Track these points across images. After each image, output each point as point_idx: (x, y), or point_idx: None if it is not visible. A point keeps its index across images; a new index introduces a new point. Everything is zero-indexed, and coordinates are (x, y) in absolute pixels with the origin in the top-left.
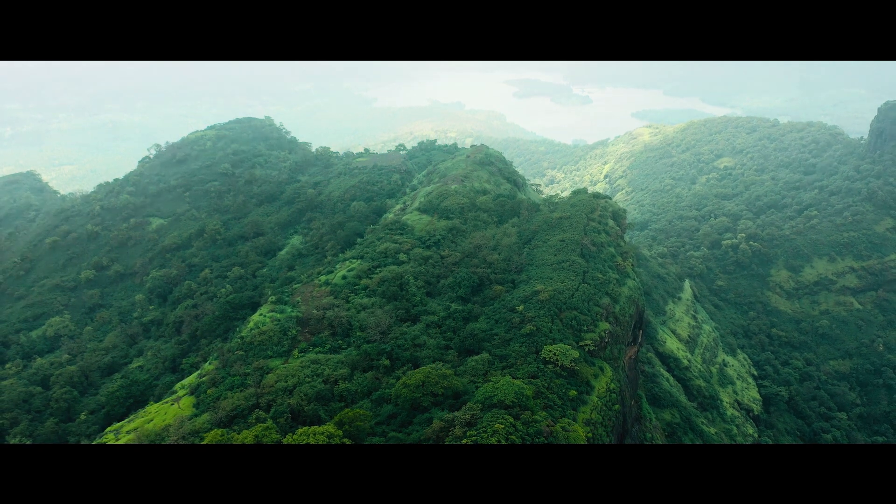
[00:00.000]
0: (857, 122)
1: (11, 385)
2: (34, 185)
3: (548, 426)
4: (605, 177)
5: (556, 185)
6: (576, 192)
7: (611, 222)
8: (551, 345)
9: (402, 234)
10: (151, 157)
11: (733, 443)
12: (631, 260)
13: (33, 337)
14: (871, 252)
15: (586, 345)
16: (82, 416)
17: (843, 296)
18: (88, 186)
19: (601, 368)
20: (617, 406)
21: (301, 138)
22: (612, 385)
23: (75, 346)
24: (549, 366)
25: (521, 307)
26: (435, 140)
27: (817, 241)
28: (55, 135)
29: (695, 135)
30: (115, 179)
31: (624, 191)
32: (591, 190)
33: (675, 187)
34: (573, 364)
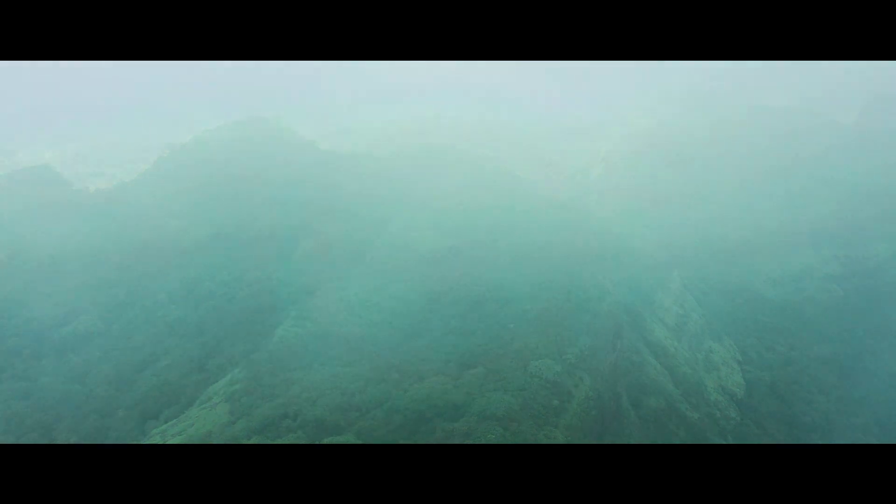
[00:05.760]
0: (856, 104)
1: (51, 383)
2: (51, 178)
3: (532, 434)
4: (602, 160)
5: (552, 167)
6: (564, 210)
7: (593, 242)
8: (537, 360)
9: (407, 251)
10: (166, 156)
11: (716, 427)
12: (610, 276)
13: (65, 334)
14: (855, 241)
15: (568, 358)
16: (119, 414)
17: (827, 283)
18: (93, 167)
19: (581, 378)
20: (594, 411)
21: (299, 117)
22: (591, 392)
23: (106, 344)
24: (535, 379)
25: (512, 325)
26: (435, 144)
27: (804, 229)
28: (55, 112)
29: (691, 116)
30: (133, 179)
31: (621, 175)
32: (588, 174)
33: (669, 174)
34: (556, 377)
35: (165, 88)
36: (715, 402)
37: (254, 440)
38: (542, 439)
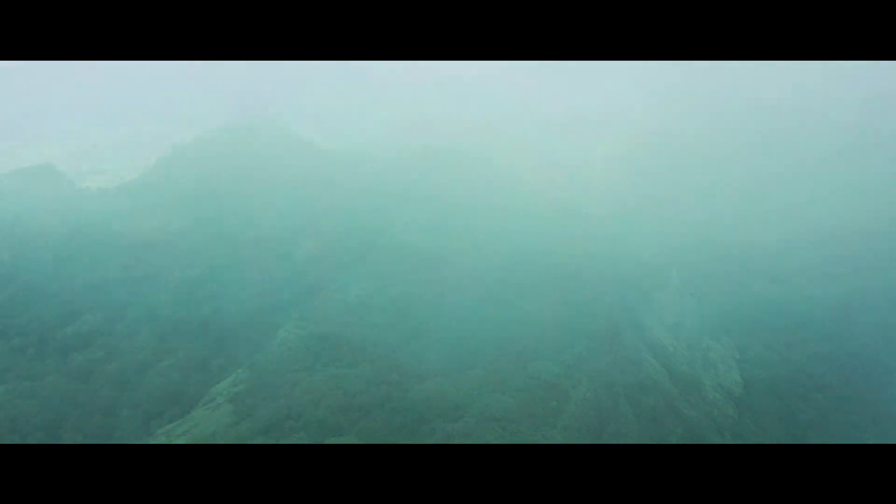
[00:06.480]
0: (856, 103)
1: (56, 382)
2: (52, 178)
3: (530, 434)
4: (602, 160)
5: (552, 167)
6: (563, 210)
7: (592, 243)
8: (536, 362)
9: (408, 253)
10: (167, 156)
11: (714, 424)
12: (609, 276)
13: (69, 333)
14: (852, 239)
15: (566, 360)
16: (124, 413)
17: (825, 281)
18: (94, 164)
19: (579, 380)
20: (592, 412)
21: (300, 117)
22: (588, 393)
23: (109, 344)
24: (534, 380)
25: (511, 327)
26: (435, 143)
27: (802, 228)
28: (55, 110)
29: (691, 116)
30: (135, 179)
31: (620, 175)
32: (587, 174)
33: (668, 173)
34: (554, 378)
35: (166, 88)
36: (713, 401)
37: (258, 441)
38: (540, 440)
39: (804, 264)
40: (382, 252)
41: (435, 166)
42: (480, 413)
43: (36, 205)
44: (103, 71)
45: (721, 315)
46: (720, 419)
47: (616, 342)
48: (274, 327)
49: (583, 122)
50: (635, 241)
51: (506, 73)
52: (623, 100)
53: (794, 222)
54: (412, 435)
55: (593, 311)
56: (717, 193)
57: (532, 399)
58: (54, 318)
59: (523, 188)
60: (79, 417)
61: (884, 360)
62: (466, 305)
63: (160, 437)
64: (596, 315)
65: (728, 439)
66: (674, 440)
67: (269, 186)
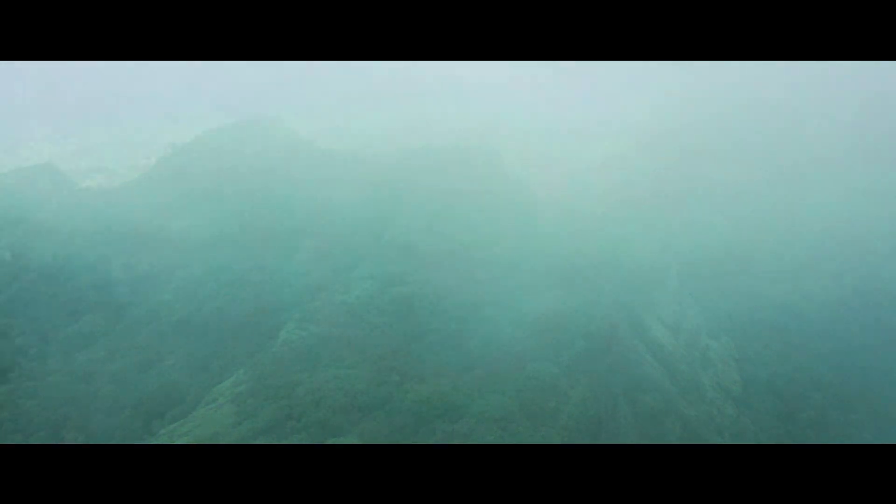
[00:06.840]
0: (855, 102)
1: (58, 382)
2: (53, 178)
3: (529, 434)
4: (602, 160)
5: (552, 167)
6: (563, 210)
7: (592, 243)
8: (535, 363)
9: (408, 255)
10: (168, 156)
11: (713, 424)
12: (609, 276)
13: (70, 333)
14: (852, 239)
15: (565, 360)
16: (125, 413)
17: (824, 280)
18: (94, 162)
19: (577, 380)
20: (591, 412)
21: (300, 116)
22: (587, 394)
23: (111, 344)
24: (533, 381)
25: (510, 327)
26: (435, 144)
27: (802, 228)
28: (55, 108)
29: (691, 116)
30: (136, 178)
31: (620, 175)
32: (587, 174)
33: (668, 173)
34: (553, 379)
35: (166, 88)
36: (712, 400)
37: (260, 441)
38: (539, 440)
39: (804, 264)
40: (383, 252)
41: (435, 167)
42: (480, 413)
43: (37, 204)
44: (103, 71)
45: (720, 315)
46: (719, 418)
47: (615, 342)
48: (275, 327)
49: (583, 122)
50: (635, 241)
51: (507, 73)
52: (623, 100)
53: (794, 222)
54: (412, 435)
55: (592, 311)
56: (718, 193)
57: (531, 399)
58: (56, 317)
59: (523, 188)
60: (81, 417)
61: (883, 360)
62: (466, 305)
63: (162, 438)
64: (595, 315)
65: (727, 439)
66: (672, 440)
67: (269, 186)
